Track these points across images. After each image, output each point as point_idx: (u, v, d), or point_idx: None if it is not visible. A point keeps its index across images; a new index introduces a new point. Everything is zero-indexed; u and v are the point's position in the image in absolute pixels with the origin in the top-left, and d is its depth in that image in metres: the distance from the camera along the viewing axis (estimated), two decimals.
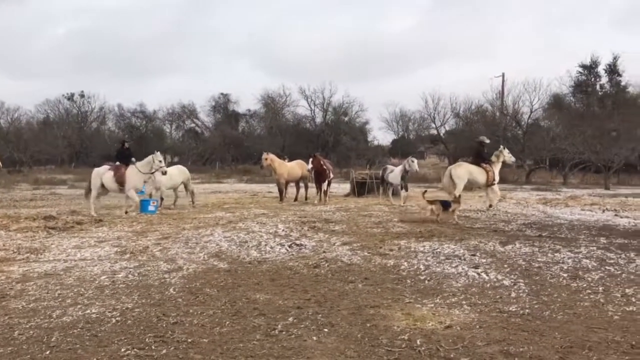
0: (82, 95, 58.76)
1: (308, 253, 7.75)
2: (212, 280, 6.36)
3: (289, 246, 8.21)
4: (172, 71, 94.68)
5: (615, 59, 45.21)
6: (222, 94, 59.14)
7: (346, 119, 53.78)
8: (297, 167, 16.77)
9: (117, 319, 4.82)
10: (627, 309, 5.18)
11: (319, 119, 54.79)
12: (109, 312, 5.05)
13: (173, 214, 12.77)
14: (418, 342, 4.06)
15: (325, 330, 4.41)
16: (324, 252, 7.54)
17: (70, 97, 58.64)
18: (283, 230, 9.60)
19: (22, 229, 10.08)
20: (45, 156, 44.97)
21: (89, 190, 13.28)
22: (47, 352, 4.02)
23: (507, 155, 14.43)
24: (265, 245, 8.34)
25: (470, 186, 14.74)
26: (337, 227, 9.77)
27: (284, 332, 4.38)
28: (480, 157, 14.13)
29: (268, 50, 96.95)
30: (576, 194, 20.15)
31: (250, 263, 7.33)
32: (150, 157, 13.16)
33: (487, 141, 14.81)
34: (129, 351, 4.01)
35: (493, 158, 14.27)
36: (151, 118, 60.12)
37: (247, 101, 73.79)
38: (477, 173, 13.70)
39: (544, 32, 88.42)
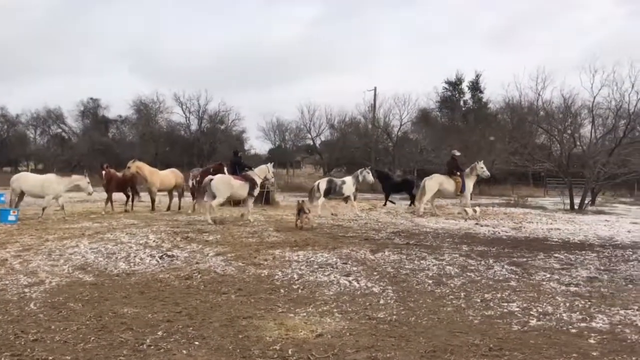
0: None
1: (180, 264, 7.49)
2: (77, 294, 5.99)
3: (160, 257, 7.88)
4: (41, 74, 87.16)
5: (477, 76, 49.03)
6: (91, 98, 56.32)
7: (222, 127, 53.97)
8: (170, 176, 16.31)
9: None
10: (486, 313, 5.55)
11: (194, 127, 54.42)
12: None
13: (36, 225, 11.72)
14: (290, 352, 4.09)
15: (196, 343, 4.28)
16: (197, 263, 7.34)
17: None
18: (154, 241, 9.19)
19: None
20: None
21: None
22: None
23: (480, 170, 16.50)
24: (135, 256, 7.94)
25: (442, 195, 17.20)
26: (211, 237, 9.56)
27: (152, 347, 4.20)
28: (454, 168, 16.30)
29: (145, 56, 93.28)
30: (441, 204, 20.63)
31: (118, 275, 6.96)
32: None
33: (458, 154, 17.20)
34: None
35: (467, 171, 16.33)
36: (13, 122, 56.70)
37: (119, 107, 70.32)
38: (447, 183, 16.03)
39: (415, 50, 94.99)
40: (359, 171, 15.80)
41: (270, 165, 14.05)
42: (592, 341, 4.75)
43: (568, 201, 22.72)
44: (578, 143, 24.50)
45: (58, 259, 7.89)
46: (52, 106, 55.30)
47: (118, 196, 16.21)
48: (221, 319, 4.93)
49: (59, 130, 57.66)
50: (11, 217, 12.44)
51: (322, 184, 15.04)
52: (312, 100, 67.26)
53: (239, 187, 12.73)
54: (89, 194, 13.99)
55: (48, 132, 58.01)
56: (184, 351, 4.10)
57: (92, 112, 56.78)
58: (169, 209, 15.99)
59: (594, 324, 5.27)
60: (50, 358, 3.98)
